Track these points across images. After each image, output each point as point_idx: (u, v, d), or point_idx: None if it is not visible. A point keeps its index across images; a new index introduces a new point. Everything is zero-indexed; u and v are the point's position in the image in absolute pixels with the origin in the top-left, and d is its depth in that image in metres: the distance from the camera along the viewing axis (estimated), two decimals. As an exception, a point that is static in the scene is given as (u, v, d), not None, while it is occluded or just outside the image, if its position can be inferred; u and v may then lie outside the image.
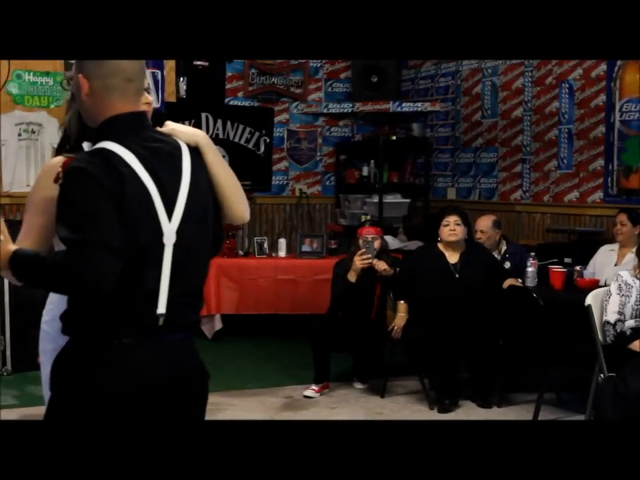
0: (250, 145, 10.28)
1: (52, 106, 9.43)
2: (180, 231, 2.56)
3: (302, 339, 7.27)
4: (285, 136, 10.65)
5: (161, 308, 2.53)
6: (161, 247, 2.54)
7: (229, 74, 10.28)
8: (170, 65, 9.80)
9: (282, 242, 9.32)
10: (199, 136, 2.74)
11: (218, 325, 8.69)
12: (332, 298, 6.99)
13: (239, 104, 10.37)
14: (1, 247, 2.51)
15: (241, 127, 10.23)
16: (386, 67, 10.35)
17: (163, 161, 2.58)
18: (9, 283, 7.15)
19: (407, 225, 10.10)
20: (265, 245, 9.29)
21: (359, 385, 7.08)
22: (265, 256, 9.21)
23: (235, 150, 10.20)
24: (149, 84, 2.99)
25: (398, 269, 6.83)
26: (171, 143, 2.65)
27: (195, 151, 2.70)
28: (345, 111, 10.60)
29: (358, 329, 6.82)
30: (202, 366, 2.72)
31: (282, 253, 9.22)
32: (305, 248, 9.24)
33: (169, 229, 2.54)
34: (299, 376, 7.19)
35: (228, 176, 2.76)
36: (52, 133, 9.31)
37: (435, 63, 10.34)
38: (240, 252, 9.42)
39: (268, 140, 10.35)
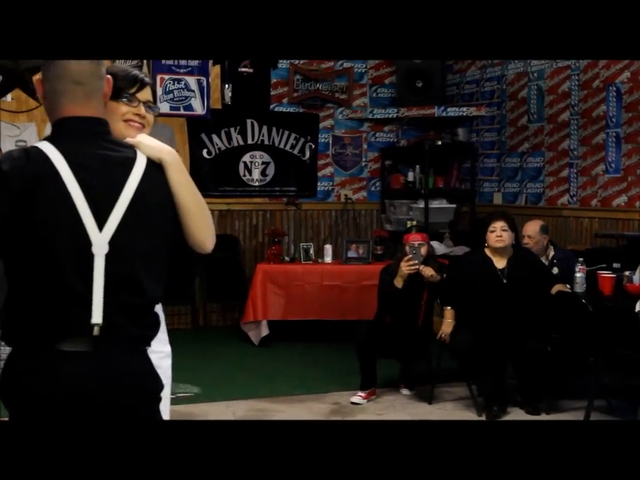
0: (295, 151, 10.31)
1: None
2: (114, 242, 2.51)
3: (348, 345, 7.26)
4: (330, 142, 10.66)
5: (96, 318, 2.48)
6: (90, 255, 2.49)
7: (273, 80, 10.30)
8: (215, 71, 9.86)
9: (328, 248, 9.33)
10: (164, 153, 2.66)
11: (264, 331, 8.71)
12: (378, 304, 6.98)
13: (284, 110, 10.40)
14: None
15: (286, 133, 10.27)
16: (431, 72, 10.33)
17: (102, 170, 2.53)
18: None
19: (453, 230, 10.07)
20: (311, 251, 9.31)
21: (406, 392, 7.06)
22: (310, 262, 9.23)
23: (280, 156, 10.25)
24: (149, 100, 2.98)
25: (445, 275, 6.81)
26: (124, 154, 2.60)
27: (157, 167, 2.64)
28: (390, 116, 10.59)
29: (405, 335, 6.80)
30: (144, 383, 2.63)
31: (328, 258, 9.23)
32: (351, 254, 9.24)
33: (100, 238, 2.50)
34: (346, 382, 7.18)
35: (192, 199, 2.66)
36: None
37: (480, 67, 10.30)
38: (286, 258, 9.45)
39: (313, 146, 10.38)
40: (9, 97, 9.25)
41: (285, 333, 8.85)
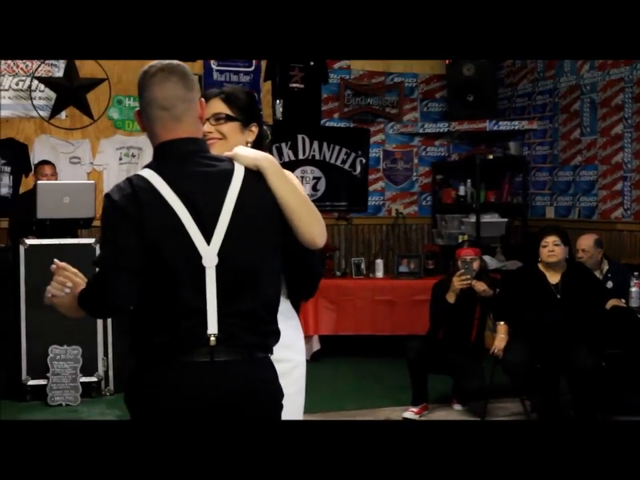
0: (346, 166, 10.32)
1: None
2: (223, 253, 2.62)
3: (399, 360, 7.24)
4: (381, 156, 10.65)
5: (212, 328, 2.61)
6: (201, 268, 2.61)
7: (324, 95, 10.33)
8: (266, 87, 9.93)
9: (379, 262, 9.31)
10: (259, 160, 2.74)
11: (316, 345, 8.71)
12: (431, 319, 6.95)
13: (334, 125, 10.42)
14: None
15: (337, 148, 10.28)
16: (482, 86, 10.29)
17: (202, 185, 2.66)
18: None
19: (505, 245, 10.00)
20: (362, 266, 9.31)
21: (458, 407, 7.02)
22: (362, 276, 9.23)
23: (331, 171, 10.26)
24: (215, 113, 3.04)
25: (497, 290, 6.76)
26: (221, 167, 2.72)
27: (256, 175, 2.73)
28: (441, 130, 10.56)
29: (458, 350, 6.76)
30: (263, 390, 2.70)
31: (379, 273, 9.22)
32: (403, 268, 9.22)
33: (208, 251, 2.62)
34: (398, 397, 7.15)
35: (294, 198, 2.72)
36: (151, 157, 9.47)
37: (532, 80, 10.24)
38: (337, 273, 9.45)
39: (364, 160, 10.38)
40: (63, 114, 9.39)
41: (336, 348, 8.85)
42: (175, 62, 2.78)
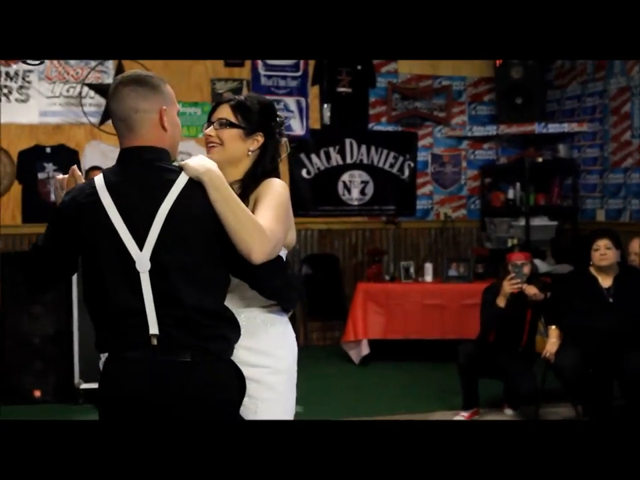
0: (394, 170, 10.31)
1: (200, 135, 9.66)
2: (155, 259, 2.75)
3: (449, 364, 7.21)
4: (429, 160, 10.63)
5: (152, 329, 2.75)
6: (135, 272, 2.75)
7: (372, 99, 10.33)
8: (314, 92, 9.95)
9: (428, 266, 9.28)
10: (201, 172, 2.77)
11: (365, 350, 8.70)
12: (481, 323, 6.91)
13: (382, 129, 10.41)
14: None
15: (385, 151, 10.28)
16: (531, 88, 10.23)
17: (140, 193, 2.78)
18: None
19: (555, 248, 9.92)
20: (411, 270, 9.28)
21: (509, 411, 6.97)
22: (411, 281, 9.21)
23: (379, 175, 10.26)
24: (221, 117, 3.09)
25: (548, 294, 6.71)
26: (165, 176, 2.80)
27: (199, 186, 2.79)
28: (489, 133, 10.51)
29: (508, 354, 6.72)
30: (199, 393, 2.77)
31: (428, 277, 9.19)
32: (452, 272, 9.18)
33: (141, 256, 2.75)
34: (449, 401, 7.12)
35: (229, 213, 2.74)
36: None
37: (581, 82, 10.15)
38: (386, 277, 9.44)
39: (412, 164, 10.37)
40: (112, 120, 9.40)
41: (385, 352, 8.83)
42: (134, 72, 2.92)
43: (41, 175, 9.29)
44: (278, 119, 3.25)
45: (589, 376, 6.24)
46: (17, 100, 9.26)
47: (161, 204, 2.75)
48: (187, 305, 2.76)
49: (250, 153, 3.16)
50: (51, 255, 2.90)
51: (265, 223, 2.83)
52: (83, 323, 7.18)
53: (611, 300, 6.43)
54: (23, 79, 9.25)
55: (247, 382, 2.97)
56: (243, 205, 2.79)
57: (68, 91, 9.41)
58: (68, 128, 9.42)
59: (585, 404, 6.45)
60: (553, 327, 6.58)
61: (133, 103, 2.84)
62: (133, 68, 9.23)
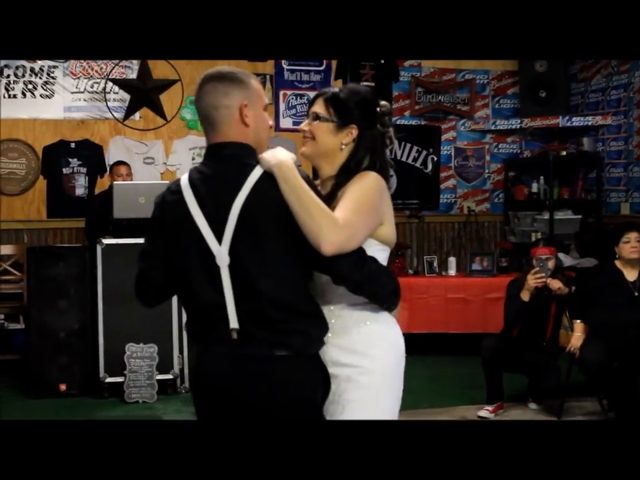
0: (417, 164, 10.27)
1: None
2: (233, 253, 2.78)
3: (473, 358, 7.20)
4: (453, 154, 10.61)
5: (233, 323, 2.80)
6: (216, 267, 2.79)
7: (395, 93, 10.32)
8: (338, 86, 9.92)
9: (452, 260, 9.27)
10: (273, 165, 2.79)
11: (388, 344, 8.70)
12: (505, 317, 6.89)
13: (405, 123, 10.39)
14: None
15: (408, 145, 10.24)
16: (555, 81, 10.19)
17: (218, 188, 2.82)
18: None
19: (579, 242, 9.88)
20: (435, 264, 9.27)
21: (533, 406, 6.95)
22: (434, 274, 9.19)
23: (402, 169, 10.20)
24: (315, 111, 3.10)
25: (573, 288, 6.69)
26: (243, 171, 2.81)
27: (273, 179, 2.80)
28: (513, 127, 10.48)
29: (533, 348, 6.70)
30: (272, 387, 2.78)
31: (452, 271, 9.18)
32: (475, 266, 9.16)
33: (220, 251, 2.79)
34: (472, 396, 7.11)
35: (296, 204, 2.74)
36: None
37: (605, 75, 10.10)
38: (410, 271, 9.43)
39: (435, 158, 10.32)
40: (137, 115, 9.50)
41: (409, 346, 8.74)
42: (216, 69, 2.94)
43: (65, 170, 9.34)
44: (379, 108, 3.13)
45: (613, 370, 6.22)
46: (41, 96, 9.31)
47: (235, 198, 2.77)
48: (263, 300, 2.78)
49: (343, 146, 3.07)
50: (154, 261, 2.97)
51: (341, 214, 2.79)
52: (108, 317, 7.23)
53: (636, 293, 6.41)
54: (48, 74, 9.30)
55: (337, 381, 2.96)
56: (313, 196, 2.76)
57: (92, 86, 9.46)
58: (92, 123, 9.47)
59: (610, 398, 6.43)
60: (578, 321, 6.57)
61: (212, 99, 2.87)
62: (157, 64, 9.31)
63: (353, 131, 3.07)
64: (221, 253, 2.79)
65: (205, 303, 2.84)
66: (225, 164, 2.85)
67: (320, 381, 2.89)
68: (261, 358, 2.78)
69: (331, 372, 2.96)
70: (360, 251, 2.83)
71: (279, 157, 2.81)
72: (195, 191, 2.83)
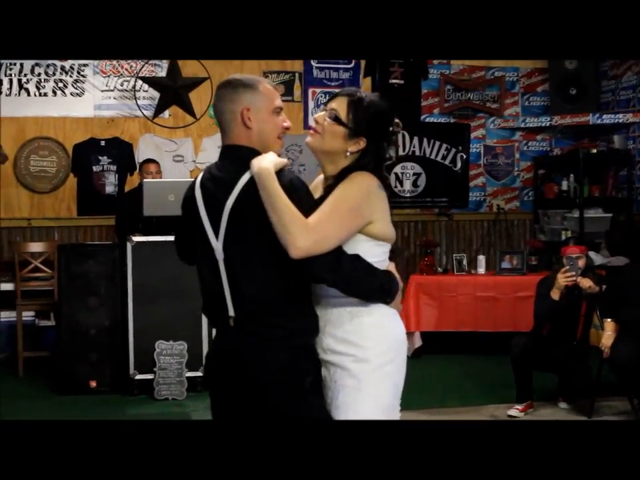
0: (446, 162, 10.26)
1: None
2: (225, 249, 3.02)
3: (502, 357, 7.17)
4: (482, 151, 10.57)
5: (230, 311, 3.05)
6: (215, 260, 3.04)
7: (424, 91, 10.29)
8: (366, 84, 9.93)
9: (481, 259, 9.24)
10: (254, 172, 2.95)
11: (418, 342, 8.70)
12: (535, 316, 6.86)
13: (435, 121, 10.37)
14: None
15: (437, 143, 10.23)
16: (585, 79, 10.13)
17: (217, 188, 3.04)
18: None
19: (609, 240, 9.81)
20: (464, 262, 9.24)
21: (564, 405, 6.92)
22: (464, 273, 9.17)
23: (431, 167, 10.20)
24: (333, 108, 3.18)
25: (604, 286, 6.65)
26: (235, 173, 3.01)
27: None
28: (543, 124, 10.43)
29: (563, 347, 6.67)
30: (261, 374, 3.00)
31: (481, 269, 9.15)
32: (505, 264, 9.13)
33: (218, 246, 3.04)
34: (502, 394, 7.09)
35: (269, 208, 2.90)
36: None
37: (636, 72, 10.03)
38: (439, 269, 9.41)
39: (464, 156, 10.30)
40: (166, 113, 9.54)
41: (438, 345, 8.81)
42: (229, 77, 3.16)
43: (95, 168, 9.39)
44: (392, 128, 3.19)
45: (645, 369, 6.18)
46: (72, 94, 9.37)
47: (227, 198, 2.99)
48: (247, 294, 3.01)
49: (348, 153, 3.13)
50: (180, 241, 3.38)
51: (313, 218, 2.92)
52: (138, 314, 7.26)
53: (667, 292, 6.37)
54: (78, 73, 9.35)
55: (334, 367, 3.10)
56: (286, 202, 2.89)
57: (122, 84, 9.50)
58: (122, 121, 9.51)
59: (641, 398, 6.40)
60: (609, 319, 6.53)
61: (220, 105, 3.11)
62: (186, 62, 9.34)
63: (362, 143, 3.13)
64: (218, 248, 3.04)
65: (211, 291, 3.11)
66: (228, 165, 3.07)
67: (305, 369, 3.05)
68: (249, 345, 3.01)
69: (328, 359, 3.12)
70: (335, 252, 2.95)
71: (261, 163, 2.95)
72: (203, 189, 3.09)
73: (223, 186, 3.02)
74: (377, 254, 3.11)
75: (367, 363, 3.09)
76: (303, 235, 2.86)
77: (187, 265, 3.42)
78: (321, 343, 3.12)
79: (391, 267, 3.19)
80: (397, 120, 3.21)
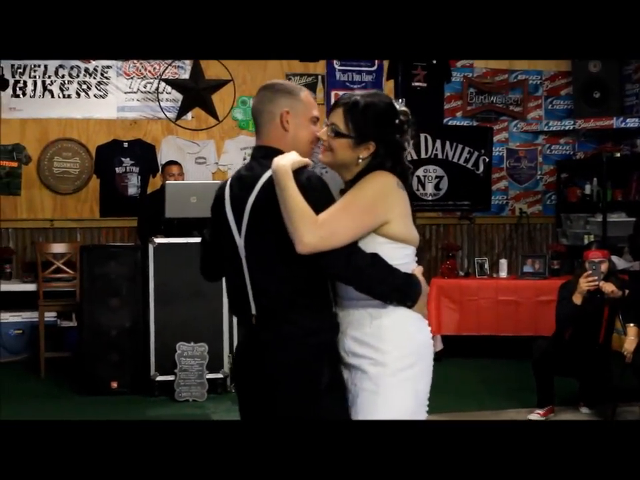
0: (469, 165, 10.21)
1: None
2: (247, 246, 3.07)
3: (524, 361, 7.15)
4: (505, 155, 10.54)
5: (252, 309, 3.10)
6: (239, 257, 3.10)
7: (447, 94, 10.27)
8: (388, 86, 9.92)
9: (503, 262, 9.21)
10: (272, 168, 2.98)
11: (439, 345, 8.67)
12: (557, 320, 6.83)
13: (457, 124, 10.35)
14: None
15: (460, 146, 10.18)
16: (609, 82, 10.08)
17: (242, 186, 3.10)
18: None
19: (632, 245, 9.74)
20: (486, 266, 9.22)
21: (585, 410, 6.89)
22: (485, 276, 9.14)
23: (453, 170, 10.15)
24: (333, 123, 3.15)
25: (626, 291, 6.61)
26: (260, 171, 3.06)
27: None
28: (566, 128, 10.39)
29: (585, 352, 6.64)
30: (276, 372, 3.04)
31: (503, 273, 9.12)
32: (527, 268, 9.10)
33: (240, 243, 3.09)
34: (523, 399, 7.06)
35: (282, 208, 2.93)
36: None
37: (661, 76, 9.98)
38: (460, 272, 9.39)
39: (487, 159, 10.24)
40: (189, 115, 9.57)
41: (459, 348, 8.79)
42: (272, 81, 3.26)
43: (118, 169, 9.43)
44: (397, 121, 3.14)
45: (667, 375, 6.14)
46: (95, 96, 9.42)
47: (249, 197, 3.04)
48: (265, 291, 3.06)
49: (360, 160, 3.11)
50: (207, 248, 3.39)
51: (323, 215, 2.92)
52: (159, 315, 7.28)
53: (691, 298, 6.33)
54: (102, 75, 9.40)
55: (354, 370, 3.08)
56: (297, 199, 2.91)
57: (145, 86, 9.54)
58: (145, 123, 9.55)
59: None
60: (631, 324, 6.49)
61: (260, 105, 3.18)
62: (209, 64, 9.37)
63: (371, 147, 3.10)
64: (241, 245, 3.09)
65: (236, 288, 3.16)
66: (255, 165, 3.12)
67: (318, 369, 3.05)
68: (266, 343, 3.06)
69: (349, 361, 3.11)
70: (348, 248, 2.95)
71: (280, 161, 2.98)
72: (231, 188, 3.16)
73: (246, 184, 3.07)
74: (397, 256, 3.07)
75: (385, 366, 3.06)
76: (310, 230, 2.88)
77: (207, 280, 3.49)
78: (343, 345, 3.11)
79: (417, 271, 3.13)
80: (402, 109, 3.18)
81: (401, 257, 3.09)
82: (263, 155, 3.11)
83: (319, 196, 2.99)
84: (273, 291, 3.05)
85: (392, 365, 3.06)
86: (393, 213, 3.04)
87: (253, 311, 3.09)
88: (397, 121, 3.13)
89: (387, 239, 3.05)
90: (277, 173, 2.95)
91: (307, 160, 3.06)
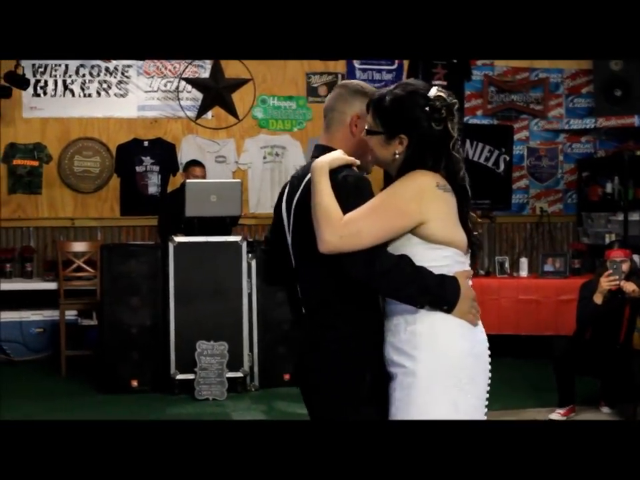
0: (489, 164, 10.18)
1: (295, 129, 9.74)
2: (293, 244, 3.10)
3: (544, 360, 7.12)
4: (525, 153, 10.51)
5: (302, 309, 3.10)
6: (291, 256, 3.13)
7: (467, 92, 10.25)
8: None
9: (523, 261, 9.17)
10: (311, 167, 2.97)
11: (459, 345, 8.65)
12: (578, 319, 6.81)
13: (478, 122, 10.32)
14: None
15: (480, 145, 10.15)
16: (630, 80, 10.02)
17: (294, 186, 3.12)
18: (259, 303, 7.43)
19: (654, 244, 9.71)
20: (506, 265, 9.18)
21: (606, 409, 6.85)
22: (506, 275, 9.11)
23: (474, 169, 10.09)
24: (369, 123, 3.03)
25: (648, 291, 6.58)
26: (309, 171, 3.00)
27: None
28: (587, 126, 10.34)
29: (605, 351, 6.61)
30: (307, 373, 3.08)
31: (523, 272, 9.08)
32: (548, 267, 9.05)
33: (289, 240, 3.12)
34: (543, 398, 7.04)
35: (312, 203, 2.91)
36: (295, 156, 9.61)
37: (683, 74, 9.91)
38: (481, 271, 9.35)
39: (507, 158, 10.22)
40: (209, 114, 9.58)
41: (479, 347, 8.74)
42: (350, 81, 3.26)
43: (138, 168, 9.46)
44: (428, 108, 2.91)
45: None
46: (115, 95, 9.45)
47: (295, 196, 3.07)
48: (309, 292, 3.08)
49: (397, 155, 2.96)
50: (270, 245, 3.38)
51: (349, 215, 2.83)
52: (179, 314, 7.30)
53: None
54: (122, 74, 9.43)
55: (393, 379, 2.93)
56: (327, 196, 2.87)
57: (165, 85, 9.56)
58: (165, 122, 9.57)
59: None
60: (652, 324, 6.47)
61: (333, 102, 3.14)
62: (229, 63, 9.38)
63: (404, 141, 2.94)
64: (290, 244, 3.12)
65: (290, 288, 3.17)
66: (309, 164, 3.03)
67: (356, 375, 2.96)
68: (309, 346, 3.06)
69: (389, 369, 2.96)
70: (373, 249, 2.82)
71: (320, 160, 2.96)
72: (287, 187, 3.17)
73: (297, 182, 3.09)
74: (433, 258, 2.90)
75: (416, 375, 2.89)
76: (331, 229, 2.81)
77: (267, 284, 3.56)
78: (384, 352, 2.97)
79: (459, 274, 2.94)
80: (438, 94, 2.94)
81: (438, 258, 2.91)
82: (319, 153, 3.03)
83: (351, 195, 2.87)
84: (314, 293, 3.04)
85: (423, 374, 2.89)
86: (429, 213, 2.86)
87: (304, 311, 3.09)
88: (426, 108, 2.91)
89: (422, 240, 2.89)
90: (314, 170, 2.93)
91: (351, 159, 2.97)
